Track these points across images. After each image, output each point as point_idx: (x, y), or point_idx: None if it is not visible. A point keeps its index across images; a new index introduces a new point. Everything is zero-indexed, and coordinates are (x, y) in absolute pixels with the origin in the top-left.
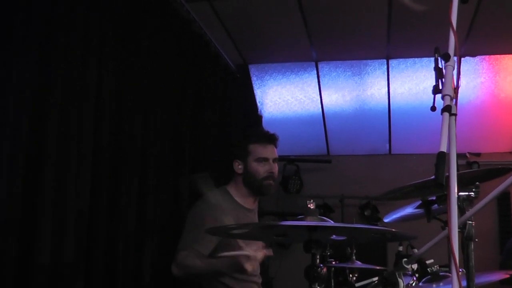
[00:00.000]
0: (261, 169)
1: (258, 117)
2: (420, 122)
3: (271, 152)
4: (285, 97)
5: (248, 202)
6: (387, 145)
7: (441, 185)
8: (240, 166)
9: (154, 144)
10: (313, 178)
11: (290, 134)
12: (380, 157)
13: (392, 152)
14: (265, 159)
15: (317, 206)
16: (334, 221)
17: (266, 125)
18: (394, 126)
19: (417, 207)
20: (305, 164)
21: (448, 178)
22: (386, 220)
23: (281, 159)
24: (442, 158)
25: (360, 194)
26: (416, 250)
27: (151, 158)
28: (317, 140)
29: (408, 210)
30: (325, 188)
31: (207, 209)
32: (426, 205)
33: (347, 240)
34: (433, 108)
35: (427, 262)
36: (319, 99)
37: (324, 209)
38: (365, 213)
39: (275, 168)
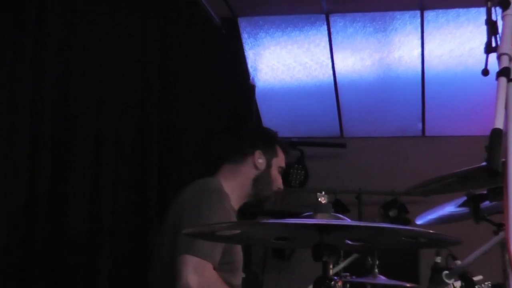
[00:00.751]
0: (279, 181)
1: (250, 88)
2: (464, 93)
3: (285, 162)
4: (286, 60)
5: (236, 204)
6: (420, 124)
7: (495, 174)
8: (261, 161)
9: (112, 123)
10: (322, 168)
11: (291, 110)
12: (410, 140)
13: (426, 134)
14: (283, 170)
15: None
16: None
17: (260, 98)
18: (429, 99)
19: (461, 205)
20: (311, 149)
21: (505, 165)
22: (418, 223)
23: None
24: (497, 138)
25: (383, 189)
26: (459, 262)
27: (108, 141)
28: (327, 118)
29: (448, 209)
30: (337, 181)
31: (222, 201)
32: (473, 201)
33: (367, 246)
34: (485, 72)
35: (475, 278)
36: (331, 63)
37: (336, 208)
38: (390, 213)
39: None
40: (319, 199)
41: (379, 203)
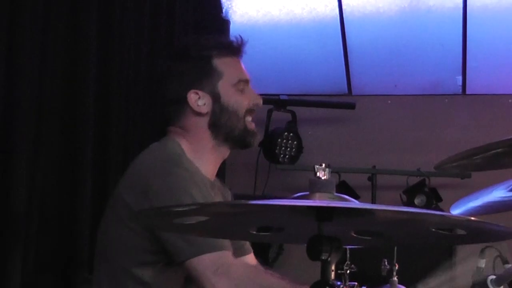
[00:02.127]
0: (244, 100)
1: (223, 24)
2: None
3: (246, 71)
4: None
5: (210, 170)
6: (459, 78)
7: None
8: (202, 102)
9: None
10: (322, 137)
11: (280, 57)
12: (446, 99)
13: (467, 92)
14: (246, 83)
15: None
16: None
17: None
18: (472, 43)
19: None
20: (307, 111)
21: None
22: (454, 213)
23: (263, 100)
24: None
25: (406, 167)
26: (510, 266)
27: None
28: (329, 68)
29: (497, 194)
30: (343, 156)
31: (190, 179)
32: None
33: (383, 242)
34: None
35: None
36: None
37: (341, 193)
38: (416, 200)
39: (260, 99)
40: (318, 174)
41: (401, 187)
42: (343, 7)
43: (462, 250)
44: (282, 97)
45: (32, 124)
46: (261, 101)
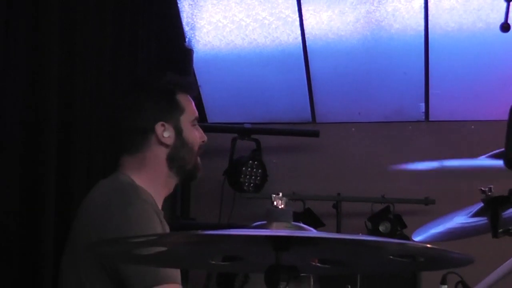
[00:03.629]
0: (197, 137)
1: (185, 53)
2: (483, 63)
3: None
4: (236, 15)
5: (160, 201)
6: (422, 105)
7: None
8: (168, 134)
9: None
10: (286, 165)
11: (244, 85)
12: (409, 126)
13: (430, 118)
14: (197, 120)
15: (293, 214)
16: None
17: (200, 68)
18: (434, 71)
19: (474, 214)
20: (271, 139)
21: None
22: (416, 239)
23: (227, 129)
24: None
25: (370, 194)
26: None
27: None
28: (293, 97)
29: (458, 219)
30: (308, 183)
31: (149, 210)
32: (490, 208)
33: (343, 270)
34: (505, 27)
35: None
36: (298, 20)
37: (306, 220)
38: (381, 228)
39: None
40: (275, 203)
41: (366, 214)
42: (306, 35)
43: (425, 278)
44: (246, 126)
45: None
46: (206, 138)
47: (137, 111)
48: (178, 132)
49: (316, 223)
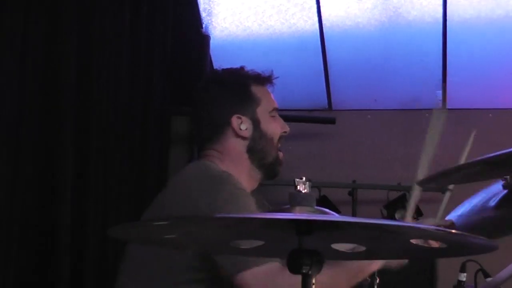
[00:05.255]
0: (277, 128)
1: (202, 40)
2: (502, 51)
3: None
4: (253, 2)
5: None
6: (439, 92)
7: None
8: (245, 126)
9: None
10: (302, 152)
11: (261, 70)
12: (425, 113)
13: (447, 106)
14: (277, 111)
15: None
16: None
17: (216, 54)
18: (452, 58)
19: (495, 200)
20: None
21: None
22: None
23: None
24: None
25: (386, 181)
26: (490, 279)
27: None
28: (310, 83)
29: (477, 204)
30: (323, 171)
31: (243, 194)
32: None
33: (363, 255)
34: None
35: None
36: (316, 7)
37: (322, 206)
38: (396, 215)
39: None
40: (298, 187)
41: (381, 202)
42: (323, 22)
43: (444, 266)
44: None
45: (13, 139)
46: (288, 129)
47: (212, 105)
48: (256, 124)
49: (332, 210)
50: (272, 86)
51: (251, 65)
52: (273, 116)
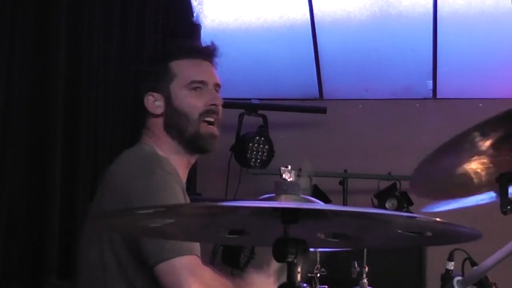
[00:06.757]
0: (197, 102)
1: (194, 28)
2: (492, 41)
3: (209, 72)
4: None
5: (181, 170)
6: (430, 82)
7: None
8: (157, 102)
9: None
10: (293, 141)
11: (251, 61)
12: (416, 103)
13: (437, 96)
14: (202, 84)
15: None
16: None
17: (207, 43)
18: (443, 48)
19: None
20: (278, 115)
21: None
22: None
23: (234, 104)
24: None
25: (376, 171)
26: (476, 267)
27: None
28: (301, 73)
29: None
30: (315, 160)
31: (171, 180)
32: (500, 184)
33: (351, 244)
34: None
35: None
36: None
37: (313, 196)
38: (387, 204)
39: (219, 99)
40: (284, 176)
41: (372, 191)
42: (314, 12)
43: (432, 255)
44: (253, 101)
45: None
46: (219, 102)
47: (134, 83)
48: (168, 100)
49: (322, 200)
50: (206, 59)
51: (242, 55)
52: (194, 89)
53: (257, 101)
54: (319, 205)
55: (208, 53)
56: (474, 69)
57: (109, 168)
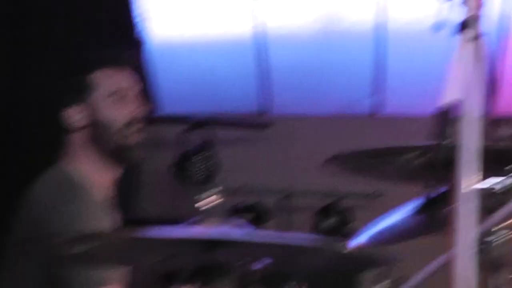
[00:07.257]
0: (120, 112)
1: (136, 44)
2: (435, 59)
3: (130, 81)
4: (189, 7)
5: (107, 183)
6: (373, 99)
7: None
8: (78, 116)
9: None
10: (237, 157)
11: (196, 76)
12: (360, 120)
13: (380, 113)
14: (125, 93)
15: (245, 208)
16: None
17: (151, 58)
18: (387, 65)
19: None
20: (223, 130)
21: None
22: (364, 234)
23: (178, 119)
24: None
25: (321, 188)
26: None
27: None
28: (245, 88)
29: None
30: (258, 176)
31: (85, 211)
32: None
33: (279, 269)
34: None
35: None
36: (252, 9)
37: (256, 214)
38: (329, 221)
39: (142, 107)
40: (200, 200)
41: (315, 208)
42: (260, 27)
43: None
44: (197, 117)
45: None
46: (142, 111)
47: (60, 96)
48: (90, 112)
49: (263, 217)
50: (128, 66)
51: (186, 70)
52: (116, 100)
53: (201, 117)
54: (234, 234)
55: (129, 60)
56: (417, 87)
57: (26, 194)
